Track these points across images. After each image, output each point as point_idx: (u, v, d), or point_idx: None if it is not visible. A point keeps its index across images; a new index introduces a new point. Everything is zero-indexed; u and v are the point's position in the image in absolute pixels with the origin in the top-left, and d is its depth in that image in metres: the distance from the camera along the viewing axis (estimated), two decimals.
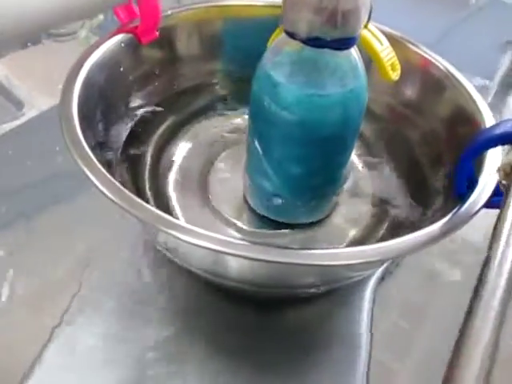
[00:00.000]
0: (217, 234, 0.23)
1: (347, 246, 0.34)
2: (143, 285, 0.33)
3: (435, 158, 0.35)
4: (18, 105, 0.50)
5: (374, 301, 0.34)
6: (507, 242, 0.20)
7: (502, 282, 0.18)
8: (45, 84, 0.52)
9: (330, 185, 0.33)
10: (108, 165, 0.31)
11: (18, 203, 0.38)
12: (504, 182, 0.25)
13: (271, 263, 0.23)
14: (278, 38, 0.28)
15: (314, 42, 0.25)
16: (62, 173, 0.41)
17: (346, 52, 0.26)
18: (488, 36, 0.64)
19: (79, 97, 0.30)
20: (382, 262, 0.30)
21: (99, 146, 0.31)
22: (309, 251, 0.24)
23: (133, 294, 0.33)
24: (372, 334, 0.32)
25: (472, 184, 0.27)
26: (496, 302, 0.17)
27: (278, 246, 0.23)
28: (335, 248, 0.33)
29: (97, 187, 0.25)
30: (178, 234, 0.23)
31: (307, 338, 0.32)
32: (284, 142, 0.29)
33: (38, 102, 0.50)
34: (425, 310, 0.35)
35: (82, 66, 0.32)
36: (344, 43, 0.25)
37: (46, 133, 0.44)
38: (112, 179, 0.26)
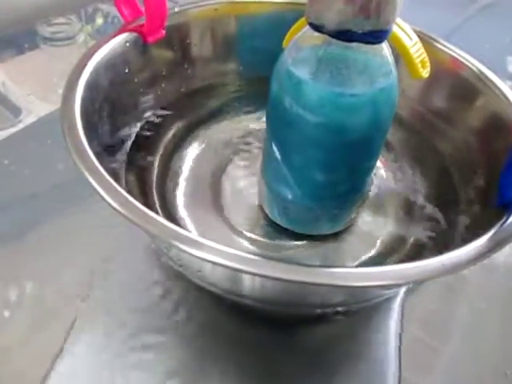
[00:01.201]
0: (237, 251, 0.21)
1: (372, 258, 0.32)
2: (154, 302, 0.31)
3: (468, 169, 0.32)
4: (16, 111, 0.48)
5: (401, 316, 0.31)
6: None
7: None
8: (43, 89, 0.50)
9: (355, 193, 0.30)
10: (113, 173, 0.29)
11: (16, 216, 0.36)
12: None
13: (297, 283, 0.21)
14: (301, 33, 0.25)
15: (344, 35, 0.22)
16: (62, 183, 0.38)
17: (376, 47, 0.24)
18: (499, 32, 0.61)
19: (82, 99, 0.28)
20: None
21: (104, 153, 0.29)
22: (339, 270, 0.21)
23: (143, 312, 0.30)
24: (400, 352, 0.30)
25: None
26: None
27: (303, 264, 0.21)
28: (365, 266, 0.31)
29: (104, 199, 0.23)
30: (193, 251, 0.21)
31: (331, 357, 0.30)
32: (306, 147, 0.27)
33: (36, 108, 0.48)
34: (451, 325, 0.32)
35: (84, 66, 0.29)
36: (377, 36, 0.23)
37: (45, 140, 0.41)
38: (121, 190, 0.23)
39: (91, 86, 0.29)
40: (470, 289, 0.34)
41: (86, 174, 0.24)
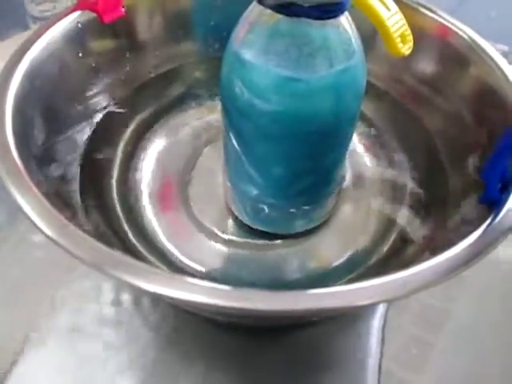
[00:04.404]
0: (199, 281, 0.18)
1: (353, 255, 0.29)
2: (120, 311, 0.28)
3: (459, 150, 0.28)
4: None
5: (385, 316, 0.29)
6: None
7: None
8: None
9: (323, 187, 0.27)
10: (60, 179, 0.26)
11: None
12: None
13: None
14: (250, 8, 0.22)
15: (288, 9, 0.19)
16: None
17: (333, 22, 0.20)
18: None
19: (18, 94, 0.25)
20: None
21: (48, 155, 0.26)
22: (320, 291, 0.18)
23: (107, 321, 0.28)
24: (382, 350, 0.28)
25: (507, 187, 0.21)
26: None
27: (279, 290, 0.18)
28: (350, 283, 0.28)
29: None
30: (130, 279, 0.18)
31: (312, 360, 0.27)
32: (262, 139, 0.23)
33: None
34: (444, 318, 0.29)
35: (23, 54, 0.27)
36: (327, 10, 0.19)
37: None
38: (46, 203, 0.20)
39: (32, 76, 0.26)
40: (470, 283, 0.31)
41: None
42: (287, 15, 0.19)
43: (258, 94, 0.22)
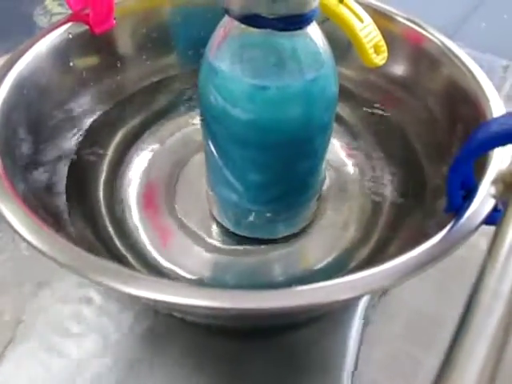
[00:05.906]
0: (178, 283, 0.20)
1: (335, 259, 0.29)
2: (105, 315, 0.29)
3: (436, 151, 0.29)
4: None
5: (364, 319, 0.29)
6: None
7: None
8: None
9: (300, 194, 0.27)
10: (45, 186, 0.27)
11: None
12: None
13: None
14: (223, 19, 0.23)
15: (252, 20, 0.20)
16: None
17: (301, 33, 0.21)
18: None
19: (4, 102, 0.26)
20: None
21: (33, 163, 0.26)
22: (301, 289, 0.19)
23: (89, 324, 0.28)
24: (358, 359, 0.27)
25: (470, 193, 0.21)
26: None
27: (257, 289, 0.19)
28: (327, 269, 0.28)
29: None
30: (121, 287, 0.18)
31: (294, 363, 0.28)
32: (236, 145, 0.24)
33: None
34: (435, 327, 0.29)
35: (12, 64, 0.27)
36: (292, 22, 0.20)
37: None
38: (31, 213, 0.21)
39: (21, 86, 0.27)
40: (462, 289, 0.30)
41: None
42: (253, 26, 0.20)
43: (231, 102, 0.22)
